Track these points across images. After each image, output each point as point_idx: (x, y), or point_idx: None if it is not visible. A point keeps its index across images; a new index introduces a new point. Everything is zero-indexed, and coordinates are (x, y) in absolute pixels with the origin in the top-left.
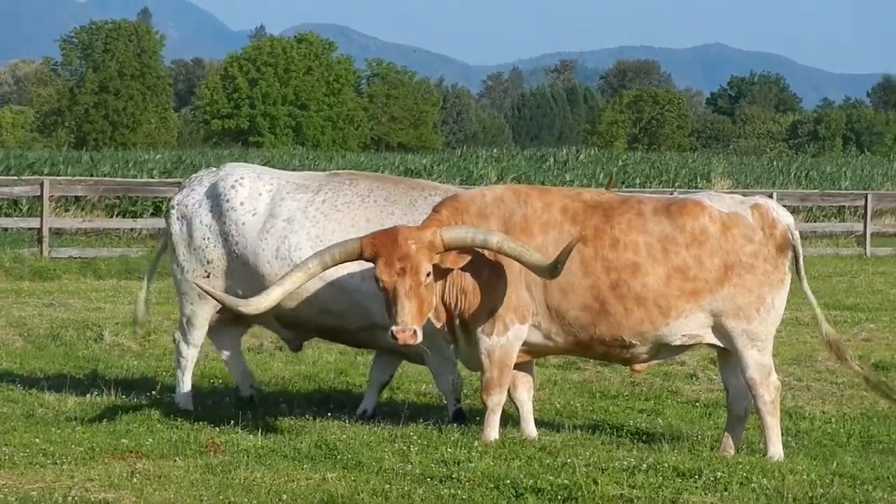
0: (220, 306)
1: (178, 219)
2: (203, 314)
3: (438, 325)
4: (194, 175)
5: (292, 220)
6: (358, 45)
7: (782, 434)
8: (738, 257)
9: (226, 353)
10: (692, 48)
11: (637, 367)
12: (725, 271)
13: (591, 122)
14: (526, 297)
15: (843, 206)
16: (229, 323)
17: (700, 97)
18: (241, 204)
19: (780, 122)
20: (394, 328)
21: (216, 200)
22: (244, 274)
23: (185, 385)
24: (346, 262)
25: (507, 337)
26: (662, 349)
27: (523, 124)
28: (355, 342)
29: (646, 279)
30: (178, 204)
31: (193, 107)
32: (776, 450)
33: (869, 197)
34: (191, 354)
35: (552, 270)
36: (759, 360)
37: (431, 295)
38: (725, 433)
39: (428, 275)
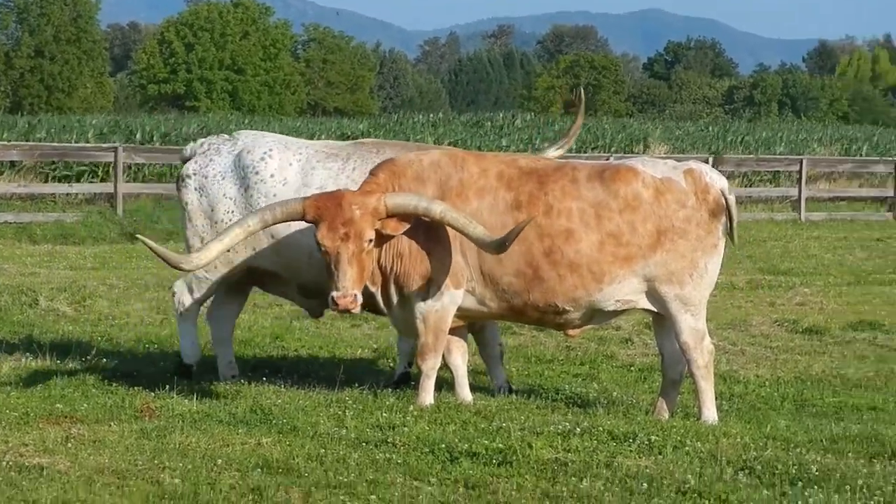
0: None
1: (195, 189)
2: (215, 281)
3: (373, 289)
4: (203, 142)
5: (325, 189)
6: (295, 10)
7: (717, 398)
8: (671, 222)
9: (216, 333)
10: (629, 13)
11: (571, 332)
12: (658, 237)
13: (528, 88)
14: (461, 261)
15: (778, 171)
16: (230, 298)
17: (637, 62)
18: (272, 176)
19: (716, 88)
20: (334, 294)
21: (243, 172)
22: (272, 246)
23: (189, 338)
24: (288, 221)
25: (442, 302)
26: (596, 315)
27: (460, 89)
28: (380, 310)
29: (579, 245)
30: (194, 174)
31: (130, 71)
32: (710, 413)
33: (804, 162)
34: (194, 310)
35: (498, 247)
36: (692, 325)
37: (371, 261)
38: (660, 397)
39: (370, 241)
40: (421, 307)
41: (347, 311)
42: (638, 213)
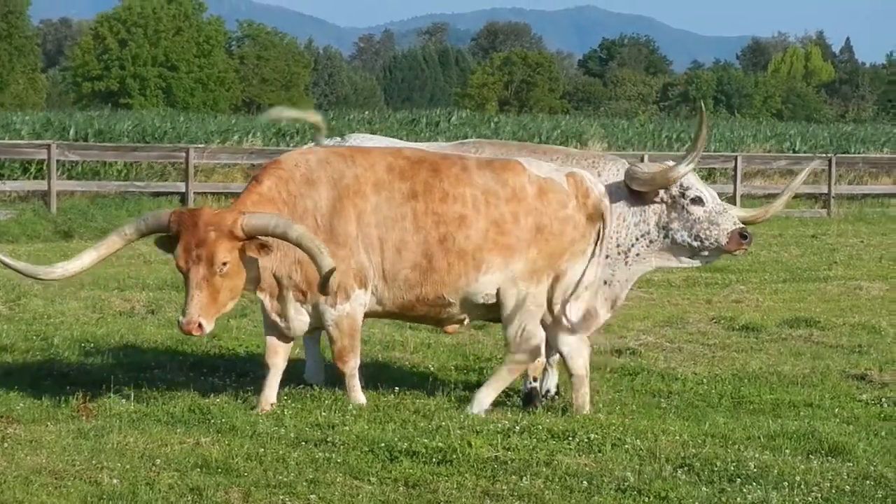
0: None
1: None
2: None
3: (269, 302)
4: (307, 147)
5: None
6: (229, 6)
7: (655, 395)
8: (549, 221)
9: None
10: (564, 10)
11: (449, 328)
12: (536, 233)
13: (463, 85)
14: (365, 261)
15: (714, 169)
16: None
17: (571, 60)
18: None
19: (650, 85)
20: (180, 318)
21: None
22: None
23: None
24: (156, 232)
25: (351, 305)
26: (470, 308)
27: (395, 87)
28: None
29: (469, 231)
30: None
31: (62, 67)
32: (484, 400)
33: (739, 159)
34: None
35: (321, 287)
36: (527, 325)
37: (234, 280)
38: (573, 394)
39: (224, 264)
40: (332, 313)
41: (191, 335)
42: (522, 205)
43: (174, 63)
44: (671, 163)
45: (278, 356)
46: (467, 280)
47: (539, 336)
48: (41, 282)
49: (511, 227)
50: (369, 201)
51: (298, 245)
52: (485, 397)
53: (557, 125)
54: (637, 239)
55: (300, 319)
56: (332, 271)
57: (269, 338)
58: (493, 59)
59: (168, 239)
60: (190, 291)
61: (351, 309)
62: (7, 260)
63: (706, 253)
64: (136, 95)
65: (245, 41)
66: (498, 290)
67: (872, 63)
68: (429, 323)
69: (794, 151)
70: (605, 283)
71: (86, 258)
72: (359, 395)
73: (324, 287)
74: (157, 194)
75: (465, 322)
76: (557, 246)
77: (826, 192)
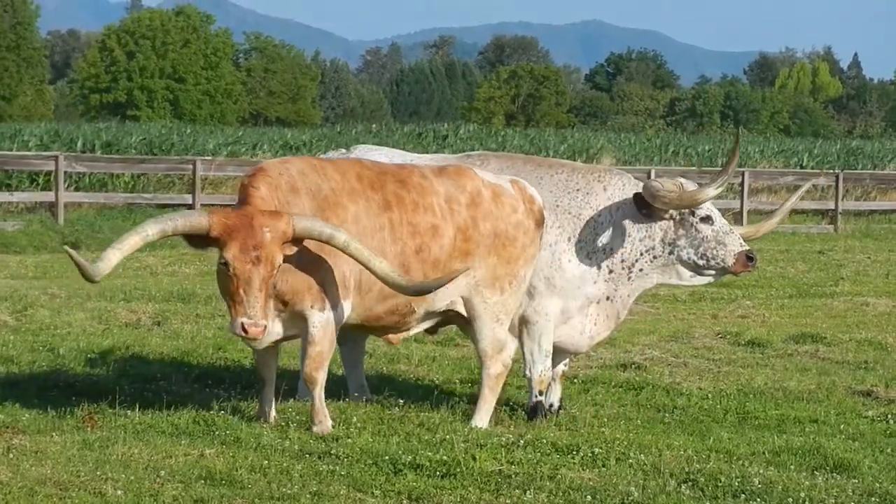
0: None
1: None
2: None
3: None
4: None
5: None
6: (235, 18)
7: (660, 410)
8: (505, 226)
9: (348, 355)
10: (571, 24)
11: (393, 338)
12: (494, 238)
13: (469, 99)
14: (346, 272)
15: None
16: None
17: (578, 74)
18: None
19: (657, 99)
20: (244, 321)
21: None
22: None
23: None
24: (189, 233)
25: (336, 313)
26: (428, 318)
27: (402, 100)
28: None
29: (442, 241)
30: None
31: (70, 80)
32: (481, 422)
33: (746, 174)
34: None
35: (416, 290)
36: (496, 334)
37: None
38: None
39: (279, 266)
40: (320, 317)
41: (254, 339)
42: (480, 209)
43: (181, 75)
44: (689, 184)
45: (269, 369)
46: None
47: (511, 346)
48: (91, 282)
49: (473, 233)
50: (348, 210)
51: (345, 250)
52: (481, 423)
53: (564, 139)
54: (641, 254)
55: (272, 331)
56: (388, 271)
57: (257, 352)
58: (499, 73)
59: (200, 238)
60: (252, 293)
61: (336, 317)
62: (72, 253)
63: (711, 272)
64: (144, 107)
65: (252, 53)
66: (464, 301)
67: (881, 79)
68: (377, 333)
69: (802, 167)
70: (608, 298)
71: (111, 258)
72: (324, 410)
73: (419, 290)
74: (164, 206)
75: (411, 332)
76: (513, 252)
77: (833, 207)
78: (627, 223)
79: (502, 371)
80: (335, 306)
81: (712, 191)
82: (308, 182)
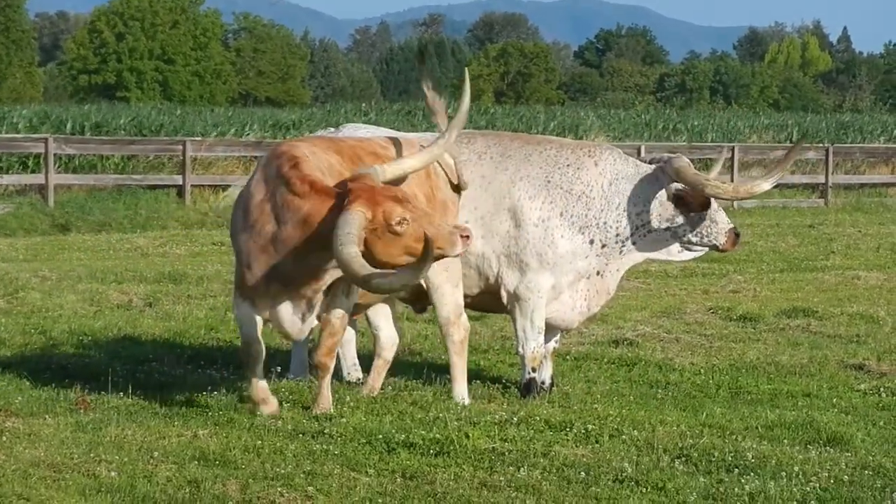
0: None
1: None
2: None
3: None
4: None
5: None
6: None
7: (652, 386)
8: (444, 195)
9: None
10: (560, 1)
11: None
12: (444, 207)
13: (459, 76)
14: None
15: (711, 159)
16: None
17: (568, 50)
18: None
19: (647, 75)
20: (460, 230)
21: None
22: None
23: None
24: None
25: (351, 299)
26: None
27: (392, 78)
28: (475, 306)
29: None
30: None
31: (59, 62)
32: (461, 389)
33: (736, 149)
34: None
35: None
36: (455, 299)
37: None
38: (372, 375)
39: None
40: (343, 305)
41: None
42: (431, 179)
43: (171, 56)
44: (678, 159)
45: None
46: None
47: (462, 305)
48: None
49: (433, 203)
50: None
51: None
52: (460, 391)
53: (554, 116)
54: (637, 228)
55: (312, 322)
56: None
57: (251, 333)
58: (488, 51)
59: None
60: (432, 217)
61: (350, 305)
62: None
63: (698, 249)
64: (133, 89)
65: (241, 34)
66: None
67: (870, 52)
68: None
69: (792, 142)
70: (598, 273)
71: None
72: (330, 396)
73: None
74: (154, 187)
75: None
76: (452, 220)
77: (823, 181)
78: (622, 198)
79: (465, 335)
80: (353, 293)
81: (767, 185)
82: (320, 161)
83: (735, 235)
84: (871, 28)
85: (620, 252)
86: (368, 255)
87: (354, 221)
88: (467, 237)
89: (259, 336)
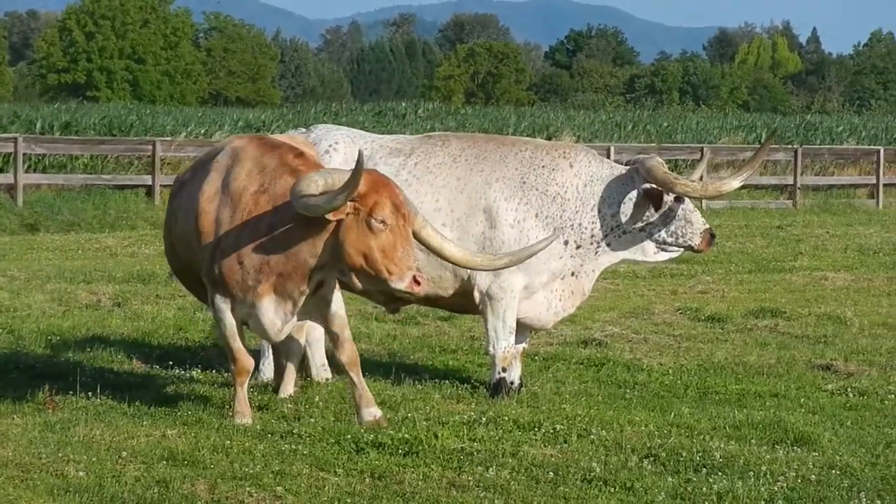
0: None
1: None
2: None
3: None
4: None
5: None
6: None
7: (620, 386)
8: None
9: (311, 334)
10: (531, 1)
11: None
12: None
13: (429, 77)
14: None
15: (680, 160)
16: None
17: (538, 51)
18: None
19: (617, 76)
20: (415, 273)
21: None
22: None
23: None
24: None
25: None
26: None
27: (362, 79)
28: (452, 308)
29: None
30: None
31: (29, 61)
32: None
33: (705, 150)
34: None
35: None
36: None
37: None
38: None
39: None
40: (339, 298)
41: (416, 294)
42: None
43: (141, 56)
44: (650, 159)
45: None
46: None
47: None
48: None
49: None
50: None
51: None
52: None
53: (524, 117)
54: (612, 229)
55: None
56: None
57: (232, 332)
58: (458, 51)
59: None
60: (410, 247)
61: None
62: None
63: (675, 249)
64: (104, 88)
65: (212, 33)
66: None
67: (839, 53)
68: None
69: (761, 143)
70: (573, 274)
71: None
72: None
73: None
74: (124, 187)
75: None
76: None
77: (792, 182)
78: (597, 199)
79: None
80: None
81: (736, 183)
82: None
83: (710, 236)
84: (840, 29)
85: (595, 253)
86: (336, 236)
87: (346, 177)
88: (418, 283)
89: (245, 346)
